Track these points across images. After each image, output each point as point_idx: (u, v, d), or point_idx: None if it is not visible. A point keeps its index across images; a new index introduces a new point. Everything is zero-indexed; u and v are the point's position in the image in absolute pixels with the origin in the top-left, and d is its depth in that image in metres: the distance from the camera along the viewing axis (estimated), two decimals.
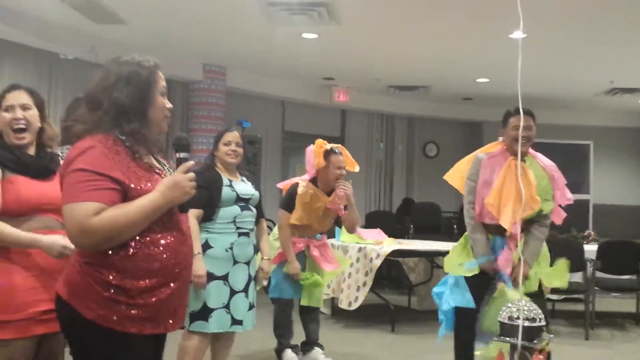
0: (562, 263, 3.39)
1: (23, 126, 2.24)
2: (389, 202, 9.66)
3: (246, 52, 6.53)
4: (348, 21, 5.27)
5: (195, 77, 6.96)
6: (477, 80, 7.65)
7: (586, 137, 8.43)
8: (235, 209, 3.12)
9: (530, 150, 3.34)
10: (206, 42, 6.18)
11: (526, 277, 3.17)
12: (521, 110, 2.93)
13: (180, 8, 5.13)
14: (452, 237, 8.24)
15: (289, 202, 3.86)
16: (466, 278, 3.31)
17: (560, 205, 3.40)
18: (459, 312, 3.35)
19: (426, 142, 10.04)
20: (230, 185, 3.15)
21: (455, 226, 8.70)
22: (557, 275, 3.38)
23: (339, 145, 4.01)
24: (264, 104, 8.15)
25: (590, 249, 5.82)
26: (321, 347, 4.09)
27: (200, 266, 2.96)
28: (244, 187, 3.21)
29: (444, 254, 6.01)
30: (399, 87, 8.24)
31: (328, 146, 3.89)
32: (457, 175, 3.52)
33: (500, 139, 3.47)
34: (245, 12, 5.15)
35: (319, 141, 3.97)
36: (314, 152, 3.93)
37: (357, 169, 4.05)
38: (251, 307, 3.18)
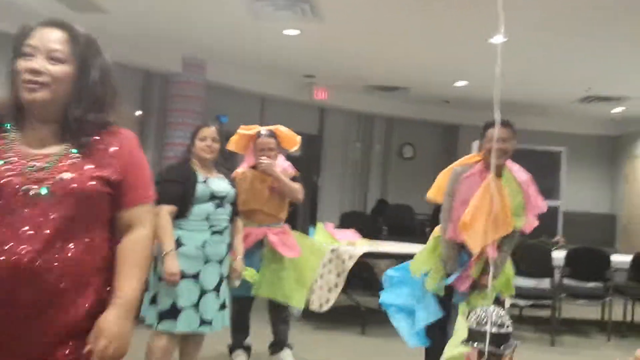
0: (509, 270, 3.45)
1: None
2: (363, 202, 9.70)
3: (227, 45, 6.48)
4: (331, 19, 5.27)
5: (174, 69, 6.88)
6: (456, 83, 7.71)
7: (559, 143, 8.56)
8: (209, 206, 3.07)
9: (508, 162, 3.28)
10: (187, 34, 6.11)
11: (484, 286, 3.19)
12: (498, 121, 2.93)
13: None
14: (425, 240, 8.27)
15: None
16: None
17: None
18: (429, 325, 3.36)
19: (403, 144, 10.10)
20: (205, 182, 3.09)
21: (428, 229, 8.78)
22: (506, 285, 3.47)
23: (275, 127, 3.89)
24: (243, 100, 8.10)
25: (559, 256, 5.92)
26: (290, 347, 4.04)
27: (173, 264, 2.92)
28: (219, 185, 3.15)
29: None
30: (378, 88, 8.27)
31: (255, 130, 3.81)
32: (438, 191, 3.45)
33: (475, 148, 3.48)
34: (228, 5, 5.11)
35: (242, 126, 3.88)
36: (232, 141, 3.85)
37: (295, 148, 3.97)
38: (222, 307, 3.12)
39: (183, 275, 2.96)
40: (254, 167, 3.82)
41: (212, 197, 3.08)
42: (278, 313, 3.98)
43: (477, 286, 3.25)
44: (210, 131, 3.19)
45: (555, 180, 8.29)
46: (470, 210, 3.10)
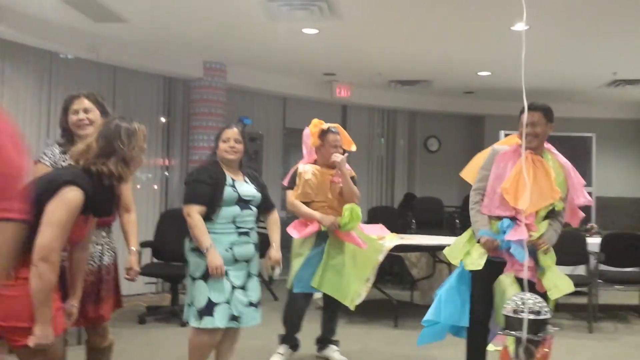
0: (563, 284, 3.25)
1: None
2: (390, 197, 9.65)
3: (246, 48, 6.51)
4: (348, 16, 5.25)
5: (195, 74, 6.94)
6: (479, 73, 7.62)
7: (588, 129, 8.40)
8: (235, 208, 3.11)
9: (550, 146, 3.30)
10: (206, 39, 6.16)
11: (547, 245, 3.12)
12: (525, 106, 2.92)
13: (180, 5, 5.11)
14: (455, 232, 8.23)
15: (292, 181, 3.94)
16: (473, 275, 3.20)
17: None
18: (471, 313, 3.24)
19: (428, 137, 10.02)
20: (233, 186, 3.12)
21: (457, 221, 8.70)
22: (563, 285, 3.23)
23: (337, 125, 4.04)
24: (264, 101, 8.14)
25: (593, 242, 5.82)
26: (336, 343, 4.07)
27: (215, 257, 2.97)
28: (247, 189, 3.18)
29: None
30: (400, 82, 8.22)
31: (325, 126, 3.92)
32: (471, 171, 3.44)
33: (502, 137, 3.47)
34: (245, 8, 5.14)
35: (315, 120, 4.00)
36: (310, 132, 3.96)
37: (353, 147, 4.12)
38: (251, 304, 3.16)
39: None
40: (315, 162, 3.95)
41: (239, 200, 3.12)
42: (332, 309, 4.03)
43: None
44: (233, 132, 3.23)
45: (586, 166, 8.14)
46: (512, 177, 3.07)
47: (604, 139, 8.61)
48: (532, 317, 2.55)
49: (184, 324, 4.99)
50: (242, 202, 3.12)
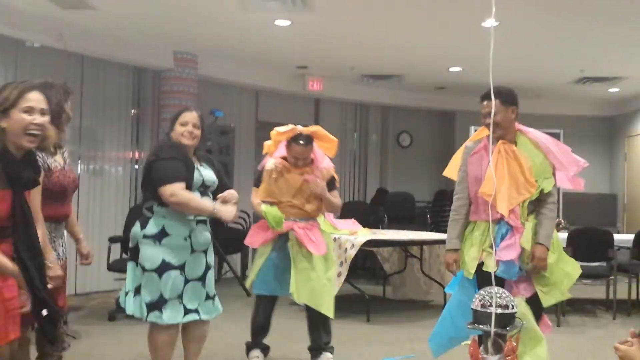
0: (573, 269, 3.16)
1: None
2: (363, 192, 9.68)
3: (218, 39, 6.43)
4: (321, 8, 5.22)
5: (166, 65, 6.83)
6: (450, 69, 7.67)
7: (556, 125, 8.52)
8: (196, 195, 2.93)
9: (521, 127, 3.17)
10: (177, 28, 6.05)
11: (543, 264, 2.98)
12: (492, 96, 2.88)
13: None
14: (426, 227, 8.31)
15: (258, 178, 3.77)
16: (476, 278, 3.03)
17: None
18: None
19: (400, 132, 10.06)
20: (198, 169, 2.96)
21: (429, 216, 8.77)
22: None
23: (317, 128, 3.73)
24: (237, 93, 8.05)
25: (560, 237, 5.89)
26: (330, 351, 3.81)
27: (226, 208, 2.88)
28: (209, 174, 3.01)
29: (418, 243, 6.11)
30: (372, 76, 8.22)
31: (298, 130, 3.64)
32: (454, 168, 3.34)
33: (472, 133, 3.44)
34: None
35: (290, 125, 3.68)
36: (278, 130, 3.70)
37: (331, 153, 3.83)
38: (209, 296, 3.03)
39: (170, 266, 2.87)
40: (284, 158, 3.72)
41: (202, 185, 2.96)
42: (316, 315, 3.70)
43: (533, 259, 2.99)
44: (192, 116, 2.99)
45: None
46: (488, 176, 2.97)
47: (571, 135, 8.73)
48: (499, 311, 2.56)
49: None
50: (203, 188, 2.96)
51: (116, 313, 5.14)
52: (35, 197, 2.31)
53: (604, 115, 9.82)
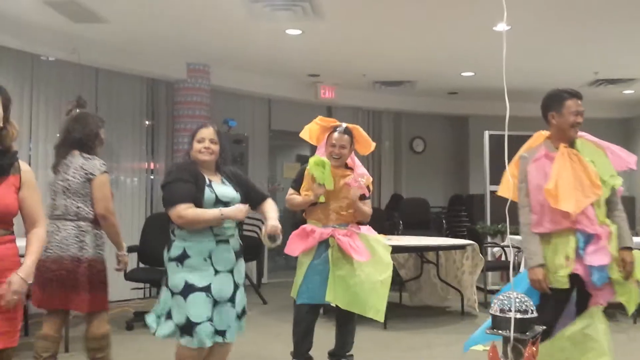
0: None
1: None
2: (377, 198, 9.65)
3: (230, 49, 6.48)
4: (331, 16, 5.24)
5: (179, 76, 6.89)
6: (462, 74, 7.65)
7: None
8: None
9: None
10: (189, 40, 6.11)
11: (632, 268, 2.85)
12: (507, 99, 2.86)
13: (163, 6, 5.06)
14: (442, 232, 8.26)
15: (297, 179, 3.76)
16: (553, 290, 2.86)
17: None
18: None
19: (413, 138, 10.04)
20: (210, 186, 2.92)
21: (444, 221, 8.72)
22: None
23: (355, 125, 3.84)
24: (249, 102, 8.10)
25: None
26: (350, 358, 3.85)
27: (230, 210, 2.87)
28: (224, 190, 2.96)
29: (434, 249, 6.07)
30: (384, 83, 8.22)
31: (330, 124, 3.78)
32: (506, 185, 3.09)
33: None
34: (228, 9, 5.10)
35: (321, 117, 3.84)
36: (310, 130, 3.80)
37: (368, 152, 3.96)
38: (239, 316, 2.98)
39: (193, 289, 2.83)
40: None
41: (217, 202, 2.90)
42: (346, 322, 3.77)
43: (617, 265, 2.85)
44: (208, 132, 2.99)
45: None
46: (552, 178, 2.84)
47: None
48: (519, 316, 2.54)
49: None
50: (220, 205, 2.90)
51: (134, 322, 5.17)
52: (32, 197, 2.37)
53: (619, 117, 9.73)
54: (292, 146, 9.73)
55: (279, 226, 2.97)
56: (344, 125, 3.77)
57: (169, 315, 2.91)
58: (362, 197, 3.76)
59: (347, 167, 3.80)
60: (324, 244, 3.64)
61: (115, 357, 3.70)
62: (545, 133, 3.12)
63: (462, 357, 4.30)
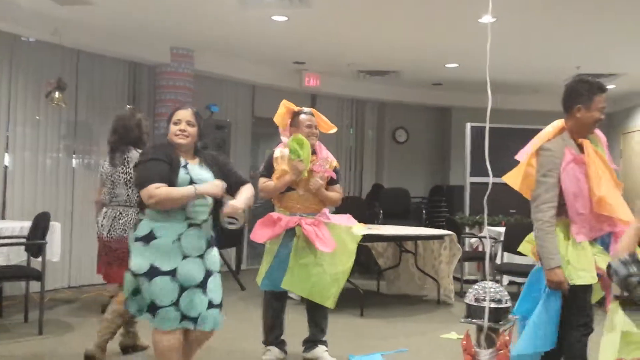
0: None
1: None
2: (358, 187, 9.69)
3: (215, 34, 6.43)
4: (318, 4, 5.22)
5: (162, 60, 6.82)
6: (447, 65, 7.68)
7: (553, 121, 8.55)
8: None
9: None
10: (174, 23, 6.05)
11: None
12: (489, 92, 2.85)
13: None
14: (421, 222, 8.33)
15: (266, 167, 3.73)
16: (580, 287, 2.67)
17: None
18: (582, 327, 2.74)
19: (396, 128, 10.07)
20: (186, 167, 2.83)
21: (424, 211, 8.79)
22: None
23: (312, 109, 3.93)
24: (233, 88, 8.05)
25: None
26: (325, 344, 3.85)
27: (204, 187, 2.81)
28: (200, 172, 2.87)
29: (413, 238, 6.13)
30: (369, 72, 8.22)
31: (296, 108, 3.83)
32: (518, 175, 2.91)
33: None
34: None
35: (285, 101, 3.87)
36: (278, 112, 3.84)
37: (332, 131, 4.00)
38: (212, 305, 2.83)
39: (158, 272, 2.74)
40: None
41: (192, 184, 2.81)
42: (316, 309, 3.77)
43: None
44: (185, 114, 2.88)
45: None
46: (602, 188, 2.68)
47: None
48: (493, 305, 2.59)
49: None
50: None
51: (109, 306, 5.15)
52: None
53: None
54: (276, 134, 9.57)
55: (241, 207, 2.84)
56: (309, 109, 3.88)
57: (135, 293, 2.86)
58: (331, 182, 3.80)
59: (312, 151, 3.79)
60: (290, 232, 3.65)
61: (90, 339, 3.71)
62: (557, 128, 2.94)
63: (437, 345, 4.38)
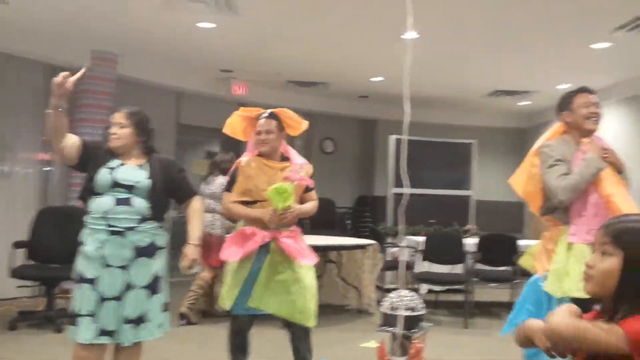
0: None
1: None
2: None
3: (139, 39, 6.28)
4: (246, 12, 5.21)
5: (82, 64, 6.56)
6: (372, 79, 7.86)
7: (470, 136, 8.92)
8: (108, 200, 2.71)
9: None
10: (96, 26, 5.85)
11: None
12: (406, 105, 2.96)
13: None
14: (346, 232, 8.45)
15: (231, 181, 3.32)
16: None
17: None
18: None
19: (324, 138, 10.19)
20: (112, 169, 2.76)
21: (348, 222, 8.92)
22: None
23: (281, 109, 3.47)
24: (157, 95, 7.87)
25: (471, 243, 6.19)
26: None
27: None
28: (128, 172, 2.76)
29: (336, 248, 6.20)
30: (298, 83, 8.29)
31: (255, 113, 3.43)
32: (520, 177, 2.97)
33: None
34: None
35: (241, 109, 3.47)
36: (228, 124, 3.47)
37: (304, 126, 3.54)
38: (129, 321, 2.71)
39: (82, 279, 2.69)
40: (260, 155, 3.36)
41: (115, 186, 2.72)
42: (298, 330, 3.28)
43: None
44: (116, 116, 2.89)
45: (467, 171, 8.65)
46: (611, 189, 2.66)
47: (484, 145, 9.18)
48: (408, 313, 2.67)
49: (59, 330, 4.72)
50: (119, 191, 2.72)
51: (17, 322, 4.89)
52: None
53: (515, 127, 10.37)
54: (202, 142, 9.57)
55: (197, 257, 2.89)
56: (269, 111, 3.42)
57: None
58: (307, 190, 3.47)
59: (283, 158, 3.45)
60: (264, 248, 3.22)
61: None
62: (557, 131, 2.95)
63: (357, 355, 4.45)
